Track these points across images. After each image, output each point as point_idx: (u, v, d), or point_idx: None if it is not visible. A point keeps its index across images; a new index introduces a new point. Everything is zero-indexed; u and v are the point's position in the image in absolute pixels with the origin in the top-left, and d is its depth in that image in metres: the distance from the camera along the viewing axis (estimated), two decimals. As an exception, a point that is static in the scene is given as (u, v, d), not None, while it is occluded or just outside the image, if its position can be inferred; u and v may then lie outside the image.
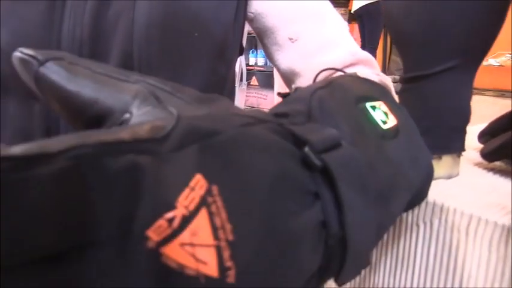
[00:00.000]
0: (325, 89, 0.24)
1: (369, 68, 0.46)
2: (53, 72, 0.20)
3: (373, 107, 0.25)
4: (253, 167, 0.16)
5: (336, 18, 0.48)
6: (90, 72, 0.20)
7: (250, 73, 3.22)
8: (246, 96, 3.01)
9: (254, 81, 3.18)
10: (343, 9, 3.93)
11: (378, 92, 0.27)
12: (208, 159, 0.15)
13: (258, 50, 3.32)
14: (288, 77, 0.49)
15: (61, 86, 0.20)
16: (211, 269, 0.14)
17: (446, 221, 0.31)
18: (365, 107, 0.24)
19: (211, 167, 0.15)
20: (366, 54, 0.46)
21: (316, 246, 0.18)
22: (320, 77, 0.36)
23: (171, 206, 0.13)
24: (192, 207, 0.14)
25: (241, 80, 2.20)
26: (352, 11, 3.55)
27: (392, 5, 0.34)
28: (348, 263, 0.19)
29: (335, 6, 0.54)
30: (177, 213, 0.13)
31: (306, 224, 0.17)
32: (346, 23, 0.51)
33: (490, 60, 2.70)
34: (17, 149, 0.11)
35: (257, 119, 0.19)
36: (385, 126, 0.24)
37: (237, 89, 0.57)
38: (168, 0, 0.39)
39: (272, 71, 2.57)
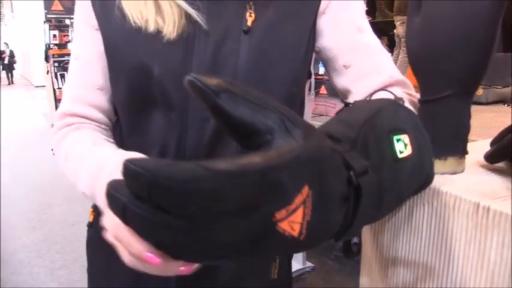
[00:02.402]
0: (370, 123, 0.36)
1: (402, 88, 0.60)
2: (225, 103, 0.28)
3: (398, 139, 0.37)
4: (328, 182, 0.29)
5: (379, 48, 0.63)
6: (247, 102, 0.29)
7: (319, 82, 3.32)
8: (315, 104, 3.12)
9: (323, 90, 3.28)
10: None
11: (409, 124, 0.39)
12: (312, 175, 0.27)
13: (328, 60, 3.44)
14: (343, 94, 0.64)
15: (229, 113, 0.29)
16: (296, 232, 0.26)
17: (441, 201, 0.44)
18: (392, 138, 0.36)
19: (311, 180, 0.27)
20: (402, 77, 0.60)
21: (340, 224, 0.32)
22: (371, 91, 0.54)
23: (290, 203, 0.25)
24: (298, 203, 0.26)
25: (309, 89, 2.36)
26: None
27: (410, 48, 0.49)
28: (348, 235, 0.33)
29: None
30: (292, 207, 0.25)
31: (340, 214, 0.31)
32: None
33: None
34: (223, 165, 0.23)
35: (333, 150, 0.31)
36: (400, 155, 0.36)
37: (306, 98, 0.73)
38: (262, 43, 0.57)
39: (340, 81, 2.68)
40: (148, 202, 0.23)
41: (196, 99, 0.29)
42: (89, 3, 0.60)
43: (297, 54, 0.60)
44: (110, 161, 0.49)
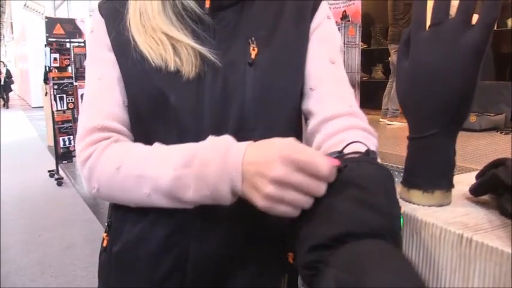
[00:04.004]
0: (394, 212, 0.46)
1: (355, 117, 0.64)
2: None
3: (401, 217, 0.47)
4: None
5: (345, 82, 0.68)
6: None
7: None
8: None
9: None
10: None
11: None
12: None
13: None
14: (306, 116, 0.69)
15: None
16: None
17: (429, 232, 0.48)
18: (402, 221, 0.47)
19: None
20: (359, 111, 0.66)
21: None
22: (334, 126, 0.61)
23: None
24: None
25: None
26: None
27: (399, 90, 0.53)
28: None
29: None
30: None
31: None
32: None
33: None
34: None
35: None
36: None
37: (303, 127, 0.78)
38: (265, 73, 0.62)
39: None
40: None
41: None
42: (104, 27, 0.65)
43: (297, 80, 0.65)
44: (199, 147, 0.54)
